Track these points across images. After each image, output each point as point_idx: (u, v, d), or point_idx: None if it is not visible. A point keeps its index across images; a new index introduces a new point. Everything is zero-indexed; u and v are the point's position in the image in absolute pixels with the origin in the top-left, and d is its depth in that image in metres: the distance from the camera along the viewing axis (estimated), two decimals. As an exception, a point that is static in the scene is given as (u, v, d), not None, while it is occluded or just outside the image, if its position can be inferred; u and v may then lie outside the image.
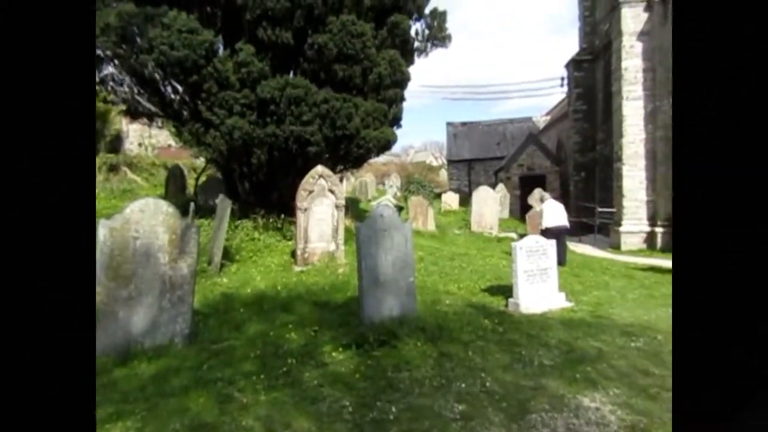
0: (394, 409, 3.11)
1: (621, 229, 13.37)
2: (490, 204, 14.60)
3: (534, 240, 6.02)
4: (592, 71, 18.97)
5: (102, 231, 3.83)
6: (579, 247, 13.86)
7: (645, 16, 13.12)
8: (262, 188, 9.91)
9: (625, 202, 13.33)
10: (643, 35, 13.14)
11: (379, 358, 3.99)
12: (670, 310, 5.68)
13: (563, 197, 21.20)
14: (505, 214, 19.03)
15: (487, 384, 3.50)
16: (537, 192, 15.34)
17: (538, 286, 5.82)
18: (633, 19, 13.21)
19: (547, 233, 9.41)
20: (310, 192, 7.79)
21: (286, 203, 9.26)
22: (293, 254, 7.97)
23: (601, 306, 5.94)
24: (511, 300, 5.82)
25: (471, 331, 4.75)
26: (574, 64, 19.77)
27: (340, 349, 4.18)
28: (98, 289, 3.80)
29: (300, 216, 7.73)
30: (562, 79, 23.08)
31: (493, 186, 18.92)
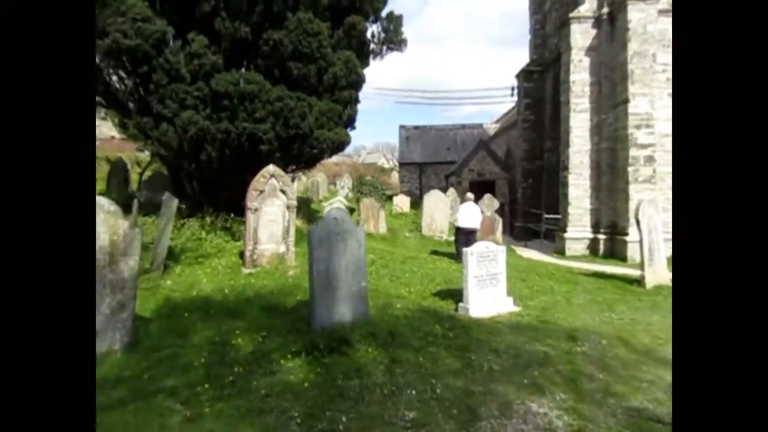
0: (344, 419, 3.06)
1: (566, 235, 13.96)
2: (440, 208, 14.83)
3: (485, 246, 6.15)
4: (542, 82, 19.72)
5: (34, 231, 3.53)
6: (526, 252, 14.35)
7: (593, 32, 13.77)
8: (212, 187, 9.54)
9: (571, 210, 13.94)
10: (591, 50, 13.79)
11: (329, 365, 3.92)
12: (614, 315, 5.99)
13: (512, 203, 21.93)
14: (454, 218, 19.38)
15: (438, 390, 3.52)
16: (487, 198, 15.73)
17: (488, 291, 5.95)
18: (582, 35, 13.84)
19: (459, 232, 10.40)
20: (261, 192, 7.58)
21: (236, 203, 8.95)
22: (242, 256, 7.72)
23: (547, 310, 6.15)
24: (461, 304, 5.91)
25: (422, 336, 4.78)
26: (524, 75, 20.46)
27: (289, 356, 4.08)
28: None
29: (250, 216, 7.51)
30: (513, 88, 23.84)
31: (444, 190, 19.23)
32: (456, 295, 6.25)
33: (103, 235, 3.82)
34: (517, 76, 21.20)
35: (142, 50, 7.51)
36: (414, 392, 3.49)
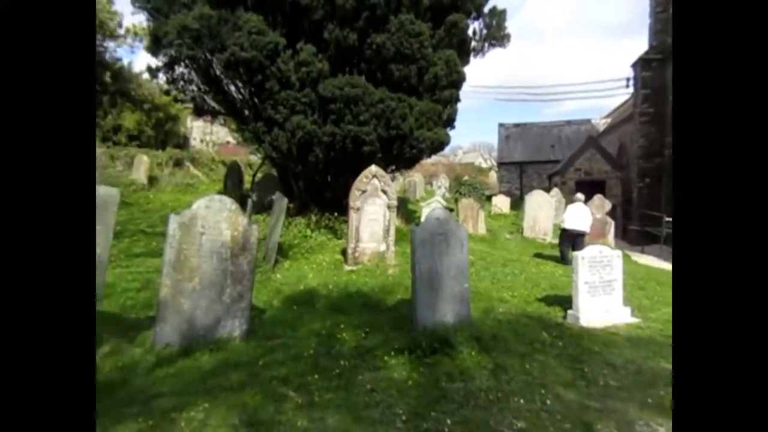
0: (448, 421, 3.00)
1: (690, 240, 12.49)
2: (544, 209, 14.06)
3: (597, 250, 5.70)
4: (662, 71, 17.86)
5: (171, 225, 3.99)
6: (642, 258, 13.10)
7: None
8: (317, 187, 10.04)
9: (696, 212, 12.44)
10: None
11: (432, 365, 3.89)
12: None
13: (625, 204, 20.15)
14: (560, 219, 18.28)
15: (548, 401, 3.32)
16: (597, 198, 14.63)
17: (601, 299, 5.51)
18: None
19: (564, 234, 9.77)
20: (363, 191, 7.79)
21: (339, 202, 9.33)
22: (344, 253, 8.01)
23: (671, 324, 5.52)
24: (570, 312, 5.54)
25: (527, 342, 4.55)
26: (642, 64, 18.69)
27: (392, 353, 4.11)
28: (165, 281, 3.95)
29: (352, 215, 7.76)
30: (628, 80, 21.93)
31: (546, 190, 18.22)
32: (564, 302, 5.88)
33: (225, 231, 4.18)
34: (634, 66, 19.42)
35: (257, 61, 8.12)
36: (522, 401, 3.32)
